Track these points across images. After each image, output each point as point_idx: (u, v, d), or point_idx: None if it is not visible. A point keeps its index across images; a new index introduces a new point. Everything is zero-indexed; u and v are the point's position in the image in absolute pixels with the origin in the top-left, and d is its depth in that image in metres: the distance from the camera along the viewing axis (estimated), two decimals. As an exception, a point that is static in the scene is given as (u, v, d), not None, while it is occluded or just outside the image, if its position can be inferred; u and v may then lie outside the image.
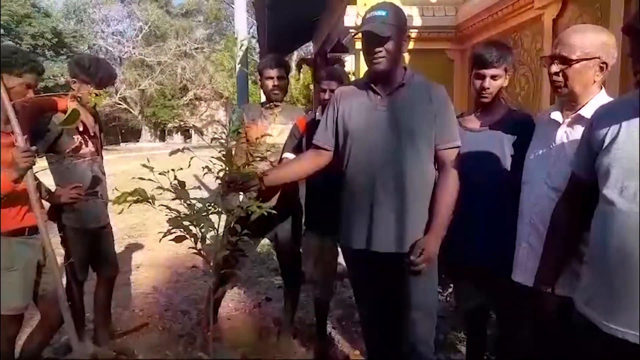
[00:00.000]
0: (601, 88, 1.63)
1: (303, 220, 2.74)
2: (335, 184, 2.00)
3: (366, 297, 2.08)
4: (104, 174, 2.61)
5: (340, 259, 2.56)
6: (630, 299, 1.18)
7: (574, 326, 1.35)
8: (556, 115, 1.67)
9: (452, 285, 2.29)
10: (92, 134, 2.50)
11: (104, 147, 2.72)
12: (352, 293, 2.89)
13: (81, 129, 2.40)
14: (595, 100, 1.59)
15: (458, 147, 1.84)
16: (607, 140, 1.27)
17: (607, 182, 1.24)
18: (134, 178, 1.66)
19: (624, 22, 2.30)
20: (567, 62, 1.55)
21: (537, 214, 1.66)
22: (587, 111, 1.54)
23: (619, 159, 1.22)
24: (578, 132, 1.55)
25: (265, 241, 3.09)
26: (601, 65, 1.56)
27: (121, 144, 30.37)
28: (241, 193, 2.13)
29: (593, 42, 1.54)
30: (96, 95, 2.00)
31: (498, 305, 2.03)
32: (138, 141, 31.86)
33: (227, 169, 1.84)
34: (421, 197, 1.82)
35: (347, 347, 2.84)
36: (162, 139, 33.07)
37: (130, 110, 29.70)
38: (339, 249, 2.56)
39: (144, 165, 1.61)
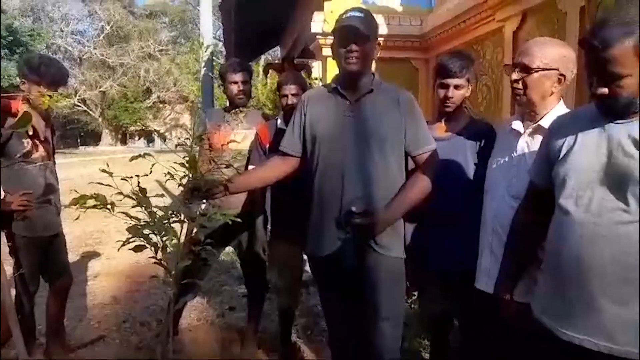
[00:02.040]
0: (559, 100, 1.68)
1: (268, 227, 2.70)
2: (300, 191, 1.98)
3: (333, 305, 2.06)
4: (56, 179, 2.50)
5: (306, 267, 2.54)
6: (585, 306, 1.21)
7: (533, 332, 1.37)
8: (517, 125, 1.70)
9: (415, 292, 2.31)
10: (42, 139, 2.38)
11: (61, 151, 2.61)
12: (317, 301, 2.87)
13: (31, 132, 2.28)
14: (555, 111, 1.63)
15: (433, 149, 1.84)
16: (563, 151, 1.30)
17: (563, 191, 1.28)
18: (91, 183, 1.58)
19: (580, 36, 2.40)
20: (526, 70, 1.60)
21: (500, 222, 1.69)
22: (547, 122, 1.58)
23: (574, 170, 1.26)
24: (538, 142, 1.59)
25: (229, 249, 3.03)
26: (559, 77, 1.61)
27: (80, 147, 29.40)
28: (204, 200, 2.07)
29: (553, 54, 1.59)
30: (49, 97, 1.90)
31: (461, 312, 2.05)
32: (98, 144, 30.92)
33: (190, 175, 1.79)
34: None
35: (312, 356, 2.81)
36: (124, 142, 32.20)
37: (90, 112, 28.78)
38: (305, 257, 2.53)
39: (103, 170, 1.54)
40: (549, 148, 1.36)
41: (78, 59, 28.48)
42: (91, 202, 1.54)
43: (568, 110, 1.63)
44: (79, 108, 27.31)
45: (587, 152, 1.24)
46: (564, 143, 1.31)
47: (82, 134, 31.45)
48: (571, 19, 2.66)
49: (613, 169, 1.18)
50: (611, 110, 1.20)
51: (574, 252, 1.23)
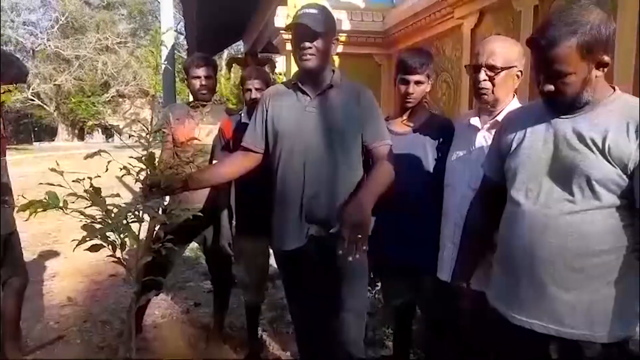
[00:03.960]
0: (514, 96, 1.75)
1: (233, 222, 2.69)
2: (264, 186, 1.98)
3: (298, 299, 2.08)
4: (8, 176, 2.40)
5: (271, 261, 2.55)
6: (534, 292, 1.28)
7: (488, 319, 1.44)
8: (475, 121, 1.77)
9: (379, 283, 2.36)
10: None
11: (14, 147, 2.52)
12: (283, 294, 2.88)
13: None
14: (510, 107, 1.70)
15: (389, 145, 1.87)
16: (514, 145, 1.36)
17: (514, 184, 1.34)
18: (41, 184, 1.53)
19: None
20: (494, 70, 1.64)
21: (461, 214, 1.74)
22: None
23: (524, 163, 1.32)
24: (497, 136, 1.65)
25: (194, 244, 3.00)
26: (517, 73, 1.69)
27: (34, 143, 28.10)
28: (165, 197, 2.05)
29: (513, 52, 1.66)
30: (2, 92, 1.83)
31: (423, 301, 2.11)
32: (53, 140, 29.66)
33: (149, 171, 1.76)
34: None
35: (279, 349, 2.82)
36: (81, 137, 31.02)
37: (45, 106, 27.56)
38: (271, 251, 2.54)
39: (53, 170, 1.48)
40: (501, 142, 1.42)
41: (31, 51, 27.19)
42: (39, 206, 1.49)
43: (520, 105, 1.70)
44: (33, 102, 26.09)
45: (535, 145, 1.30)
46: (514, 137, 1.37)
47: (36, 129, 30.09)
48: (525, 17, 2.76)
49: (559, 162, 1.24)
50: (557, 106, 1.26)
51: (524, 242, 1.29)
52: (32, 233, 5.29)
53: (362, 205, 1.57)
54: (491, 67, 1.65)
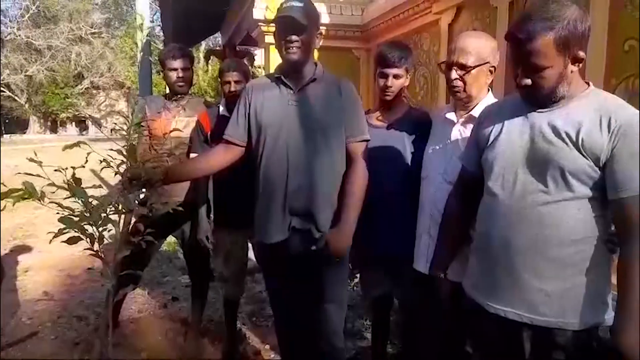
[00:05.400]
0: (489, 90, 1.78)
1: (211, 217, 2.67)
2: (243, 179, 1.97)
3: (279, 290, 2.08)
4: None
5: (250, 254, 2.54)
6: (510, 281, 1.31)
7: (464, 308, 1.47)
8: (451, 115, 1.79)
9: (358, 275, 2.38)
10: None
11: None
12: (262, 288, 2.88)
13: None
14: (484, 101, 1.73)
15: (366, 140, 1.89)
16: (491, 138, 1.39)
17: (491, 175, 1.36)
18: (19, 173, 1.48)
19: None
20: (465, 68, 1.66)
21: (437, 207, 1.76)
22: (478, 111, 1.67)
23: (500, 155, 1.35)
24: (470, 130, 1.68)
25: (171, 238, 2.97)
26: (490, 69, 1.71)
27: (5, 135, 27.27)
28: (144, 190, 2.02)
29: (485, 48, 1.68)
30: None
31: (401, 292, 2.14)
32: (25, 133, 28.85)
33: (128, 163, 1.73)
34: (333, 189, 1.86)
35: (258, 342, 2.82)
36: (54, 130, 30.24)
37: (16, 98, 26.73)
38: (250, 245, 2.53)
39: (31, 160, 1.45)
40: (478, 135, 1.45)
41: (-1, 40, 26.31)
42: (16, 195, 1.45)
43: (495, 99, 1.73)
44: (3, 93, 25.28)
45: (512, 138, 1.33)
46: (491, 130, 1.39)
47: (7, 121, 29.18)
48: (501, 13, 2.81)
49: (534, 154, 1.27)
50: (534, 99, 1.29)
51: (500, 231, 1.32)
52: (3, 227, 5.15)
53: (345, 235, 1.78)
54: (462, 66, 1.66)
